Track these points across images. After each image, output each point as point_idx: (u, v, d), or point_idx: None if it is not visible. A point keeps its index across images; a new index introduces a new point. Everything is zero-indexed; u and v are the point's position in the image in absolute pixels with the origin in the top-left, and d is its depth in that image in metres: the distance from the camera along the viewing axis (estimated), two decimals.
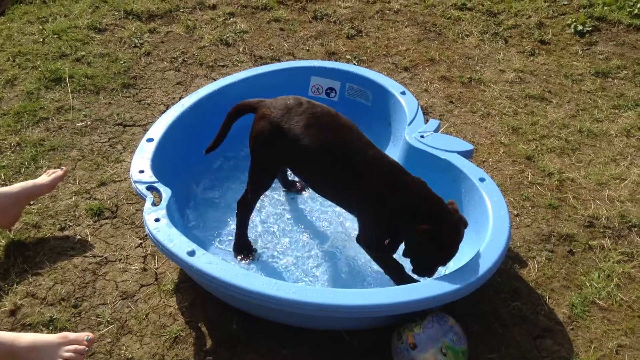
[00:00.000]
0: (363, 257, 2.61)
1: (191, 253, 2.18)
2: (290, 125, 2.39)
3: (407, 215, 2.27)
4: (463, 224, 2.32)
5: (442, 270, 2.49)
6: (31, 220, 2.75)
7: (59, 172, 2.74)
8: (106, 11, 4.39)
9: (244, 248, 2.61)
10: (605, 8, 4.58)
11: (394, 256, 2.42)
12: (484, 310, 2.45)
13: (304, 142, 2.36)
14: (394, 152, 2.99)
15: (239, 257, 2.60)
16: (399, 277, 2.40)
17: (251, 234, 2.68)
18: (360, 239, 2.45)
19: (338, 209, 2.70)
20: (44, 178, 2.70)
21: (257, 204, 2.65)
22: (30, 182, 2.67)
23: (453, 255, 2.32)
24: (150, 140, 2.69)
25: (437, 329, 2.10)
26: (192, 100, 2.95)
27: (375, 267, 2.53)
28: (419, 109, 2.93)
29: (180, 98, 3.45)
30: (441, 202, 2.30)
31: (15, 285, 2.46)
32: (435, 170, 2.69)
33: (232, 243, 2.64)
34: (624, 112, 3.64)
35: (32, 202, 2.79)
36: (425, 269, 2.34)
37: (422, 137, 2.77)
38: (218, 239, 2.69)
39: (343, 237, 2.71)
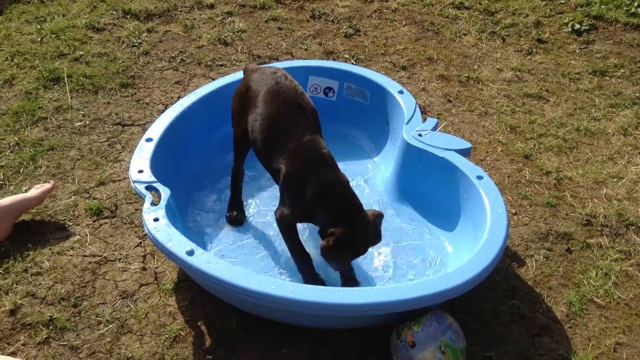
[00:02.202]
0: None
1: (190, 252, 2.18)
2: (256, 87, 2.55)
3: (320, 209, 2.34)
4: (374, 226, 2.37)
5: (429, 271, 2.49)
6: (31, 220, 2.76)
7: (47, 185, 2.79)
8: (104, 10, 4.39)
9: (234, 209, 2.76)
10: (603, 7, 4.59)
11: None
12: (482, 308, 2.46)
13: (258, 104, 2.50)
14: (392, 150, 3.00)
15: (229, 216, 2.76)
16: (302, 266, 2.45)
17: (252, 233, 2.70)
18: (275, 212, 2.50)
19: None
20: (32, 192, 2.75)
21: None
22: (19, 196, 2.71)
23: (361, 253, 2.38)
24: (149, 140, 2.69)
25: (436, 327, 2.11)
26: (191, 100, 2.95)
27: (369, 265, 2.54)
28: (417, 107, 2.94)
29: (179, 97, 3.46)
30: (355, 204, 2.34)
31: (15, 285, 2.47)
32: (433, 169, 2.70)
33: (230, 239, 2.68)
34: (621, 110, 3.66)
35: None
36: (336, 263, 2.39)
37: (420, 135, 2.78)
38: (217, 239, 2.70)
39: None
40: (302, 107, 2.50)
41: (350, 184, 2.41)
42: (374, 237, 2.39)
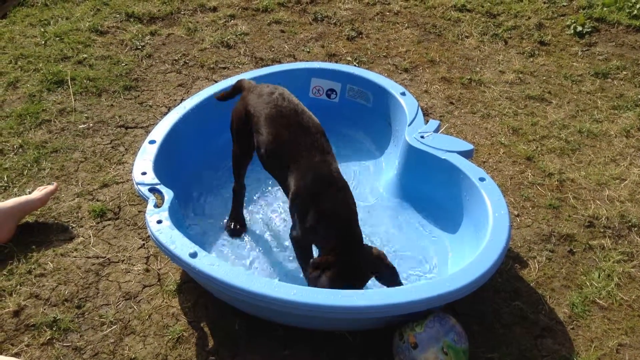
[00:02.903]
0: None
1: (193, 255, 2.19)
2: (255, 112, 2.49)
3: (319, 234, 2.28)
4: (377, 268, 2.29)
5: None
6: (34, 221, 2.77)
7: (51, 187, 2.80)
8: (107, 14, 4.41)
9: (234, 221, 2.74)
10: (605, 9, 4.59)
11: None
12: (485, 310, 2.46)
13: (261, 130, 2.45)
14: (394, 152, 3.00)
15: (229, 227, 2.73)
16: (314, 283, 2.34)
17: (254, 235, 2.71)
18: (291, 233, 2.42)
19: None
20: (36, 193, 2.77)
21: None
22: (23, 198, 2.73)
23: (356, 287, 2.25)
24: (152, 142, 2.70)
25: (439, 329, 2.11)
26: (194, 102, 2.96)
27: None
28: (419, 109, 2.95)
29: (182, 100, 3.47)
30: (353, 236, 2.27)
31: (19, 286, 2.48)
32: (435, 170, 2.71)
33: (232, 242, 2.69)
34: (624, 112, 3.66)
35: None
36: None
37: (422, 137, 2.78)
38: (220, 241, 2.70)
39: None
40: (306, 128, 2.41)
41: (357, 208, 2.33)
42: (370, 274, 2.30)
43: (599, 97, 3.79)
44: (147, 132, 3.10)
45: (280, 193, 2.93)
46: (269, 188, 2.97)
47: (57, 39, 4.08)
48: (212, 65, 3.93)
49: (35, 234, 2.72)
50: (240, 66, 3.94)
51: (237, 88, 2.75)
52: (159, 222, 2.31)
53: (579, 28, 4.42)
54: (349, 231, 2.28)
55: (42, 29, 4.18)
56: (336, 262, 2.21)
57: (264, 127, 2.44)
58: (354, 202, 2.35)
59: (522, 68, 4.03)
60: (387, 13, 4.64)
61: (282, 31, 4.35)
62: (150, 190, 2.47)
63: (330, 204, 2.28)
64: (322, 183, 2.31)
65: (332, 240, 2.26)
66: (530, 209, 2.95)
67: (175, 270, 2.58)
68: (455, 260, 2.58)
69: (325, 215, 2.27)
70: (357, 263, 2.25)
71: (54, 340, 2.29)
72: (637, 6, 4.55)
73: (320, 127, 2.46)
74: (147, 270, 2.58)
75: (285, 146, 2.38)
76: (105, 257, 2.63)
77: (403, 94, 3.06)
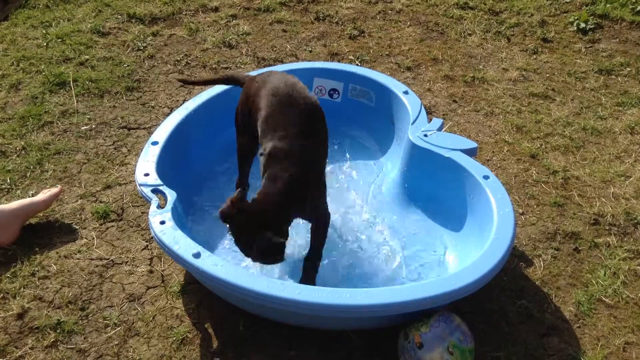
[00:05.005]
0: (361, 252, 2.62)
1: (197, 255, 2.18)
2: (256, 93, 2.49)
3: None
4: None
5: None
6: (37, 223, 2.77)
7: (55, 190, 2.80)
8: (109, 15, 4.41)
9: None
10: (608, 5, 4.57)
11: None
12: (490, 308, 2.45)
13: (260, 105, 2.42)
14: (398, 151, 2.99)
15: None
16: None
17: None
18: (319, 216, 2.42)
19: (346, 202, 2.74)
20: (40, 196, 2.76)
21: None
22: (27, 200, 2.73)
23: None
24: (155, 143, 2.70)
25: (444, 328, 2.10)
26: (196, 103, 2.95)
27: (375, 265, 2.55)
28: (422, 108, 2.93)
29: (184, 101, 3.47)
30: (280, 210, 2.24)
31: (22, 289, 2.47)
32: (439, 169, 2.69)
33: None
34: (628, 109, 3.64)
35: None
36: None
37: (425, 135, 2.77)
38: (224, 241, 2.70)
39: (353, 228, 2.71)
40: (294, 99, 2.40)
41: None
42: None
43: (603, 94, 3.77)
44: (150, 133, 3.09)
45: None
46: None
47: (59, 40, 4.08)
48: (214, 66, 3.93)
49: (39, 235, 2.72)
50: (242, 66, 3.93)
51: (233, 79, 2.77)
52: (162, 223, 2.31)
53: (582, 25, 4.40)
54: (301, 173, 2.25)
55: (44, 31, 4.18)
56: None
57: (262, 102, 2.43)
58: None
59: (526, 65, 4.01)
60: (389, 11, 4.63)
61: (284, 31, 4.34)
62: (153, 191, 2.46)
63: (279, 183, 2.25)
64: (286, 162, 2.26)
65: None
66: (535, 207, 2.93)
67: (179, 271, 2.57)
68: (460, 259, 2.56)
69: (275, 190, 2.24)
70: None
71: (58, 343, 2.29)
72: None
73: (312, 104, 2.42)
74: (151, 272, 2.58)
75: (271, 118, 2.37)
76: (108, 258, 2.62)
77: (406, 92, 3.05)
